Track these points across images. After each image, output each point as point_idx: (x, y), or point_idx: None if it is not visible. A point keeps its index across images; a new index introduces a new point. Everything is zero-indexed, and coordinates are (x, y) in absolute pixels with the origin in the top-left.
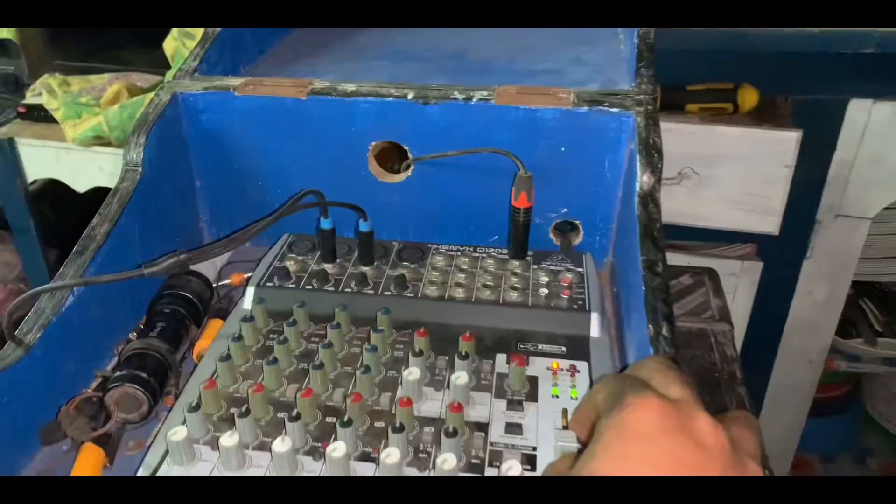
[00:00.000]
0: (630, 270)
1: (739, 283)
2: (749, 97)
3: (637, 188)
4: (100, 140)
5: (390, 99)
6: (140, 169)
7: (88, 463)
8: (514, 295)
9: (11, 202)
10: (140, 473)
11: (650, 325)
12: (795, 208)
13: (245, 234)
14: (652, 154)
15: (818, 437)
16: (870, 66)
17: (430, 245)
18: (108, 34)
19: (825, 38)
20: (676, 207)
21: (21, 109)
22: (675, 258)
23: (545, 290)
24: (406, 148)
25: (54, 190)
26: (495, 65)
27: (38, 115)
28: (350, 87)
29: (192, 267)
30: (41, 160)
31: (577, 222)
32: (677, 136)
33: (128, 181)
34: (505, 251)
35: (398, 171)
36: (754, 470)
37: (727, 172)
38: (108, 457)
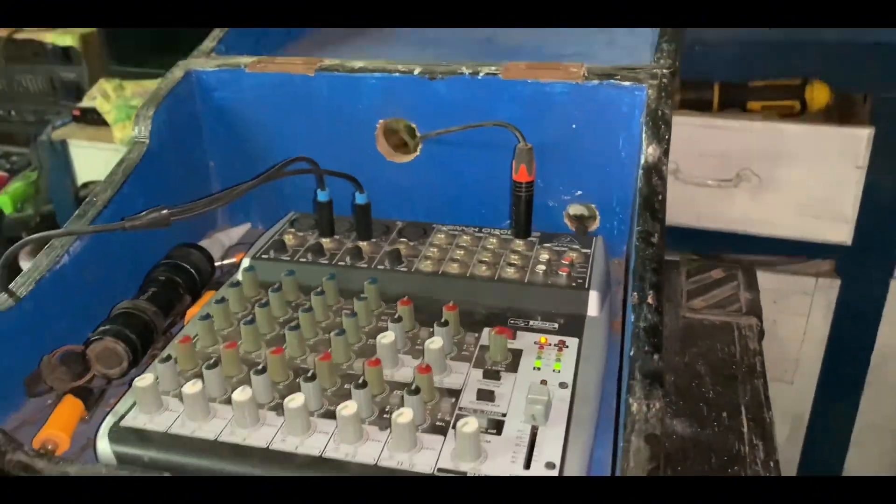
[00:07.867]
0: (630, 245)
1: (814, 303)
2: (819, 94)
3: (642, 160)
4: None
5: (397, 74)
6: (147, 142)
7: (65, 413)
8: (510, 271)
9: (62, 204)
10: (107, 420)
11: (634, 293)
12: (879, 218)
13: (229, 195)
14: (659, 125)
15: None
16: None
17: (434, 225)
18: (165, 37)
19: None
20: (736, 212)
21: (76, 112)
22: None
23: (543, 268)
24: (415, 127)
25: None
26: (524, 48)
27: (92, 117)
28: (358, 64)
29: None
30: (92, 162)
31: (593, 206)
32: (736, 134)
33: (134, 153)
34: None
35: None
36: None
37: (791, 174)
38: (87, 410)
